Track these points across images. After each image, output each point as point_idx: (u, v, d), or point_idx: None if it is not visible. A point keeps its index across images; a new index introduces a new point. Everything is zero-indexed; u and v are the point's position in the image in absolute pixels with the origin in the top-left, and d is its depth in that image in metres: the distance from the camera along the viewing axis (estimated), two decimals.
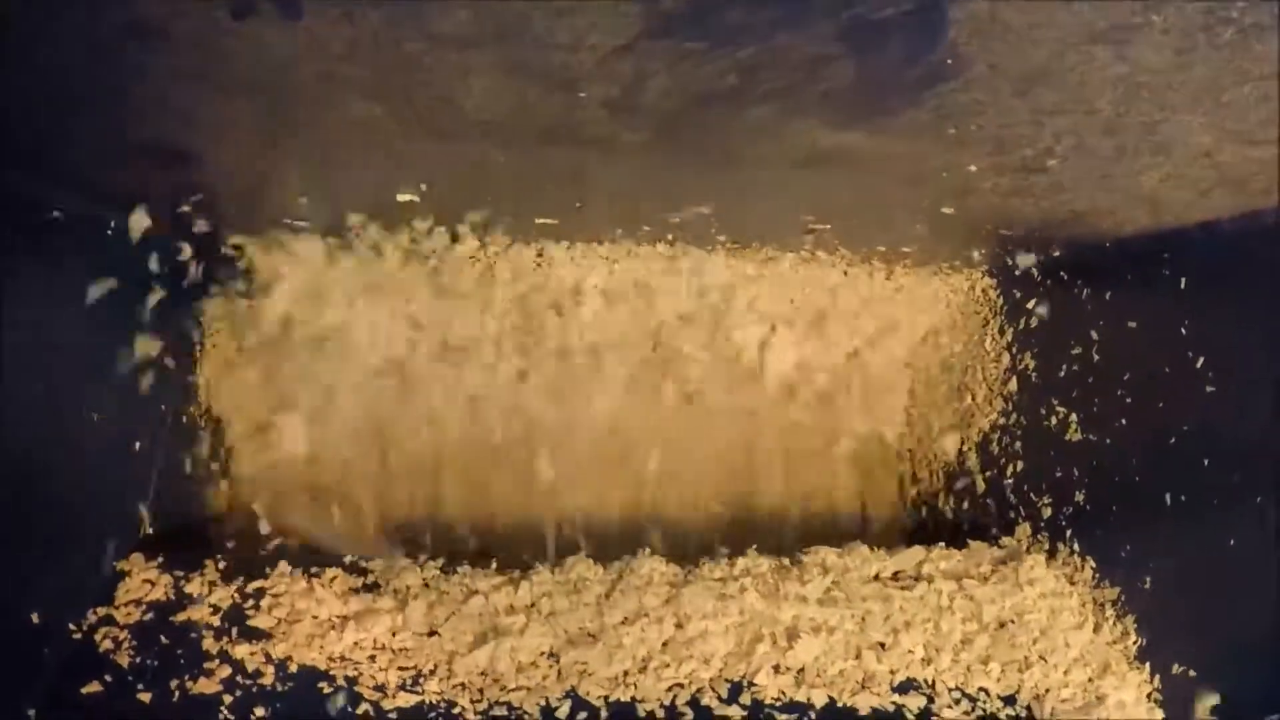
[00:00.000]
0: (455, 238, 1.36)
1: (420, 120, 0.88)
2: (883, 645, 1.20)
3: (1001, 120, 0.84)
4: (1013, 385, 1.46)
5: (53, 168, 1.05)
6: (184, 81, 0.81)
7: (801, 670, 1.16)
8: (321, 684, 1.12)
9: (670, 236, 1.37)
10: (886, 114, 0.84)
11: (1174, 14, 0.66)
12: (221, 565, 1.29)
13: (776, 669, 1.16)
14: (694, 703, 1.12)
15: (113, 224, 1.23)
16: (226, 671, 1.12)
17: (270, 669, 1.13)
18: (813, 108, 0.83)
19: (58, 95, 0.84)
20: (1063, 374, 1.34)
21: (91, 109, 0.87)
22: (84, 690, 1.09)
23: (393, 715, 1.09)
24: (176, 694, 1.10)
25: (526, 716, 1.09)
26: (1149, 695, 1.15)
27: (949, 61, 0.73)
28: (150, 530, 1.37)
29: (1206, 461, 1.10)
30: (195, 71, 0.78)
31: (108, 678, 1.11)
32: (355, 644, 1.17)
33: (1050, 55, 0.72)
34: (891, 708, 1.14)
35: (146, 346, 1.30)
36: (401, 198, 1.15)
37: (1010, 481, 1.45)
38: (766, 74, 0.75)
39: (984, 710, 1.15)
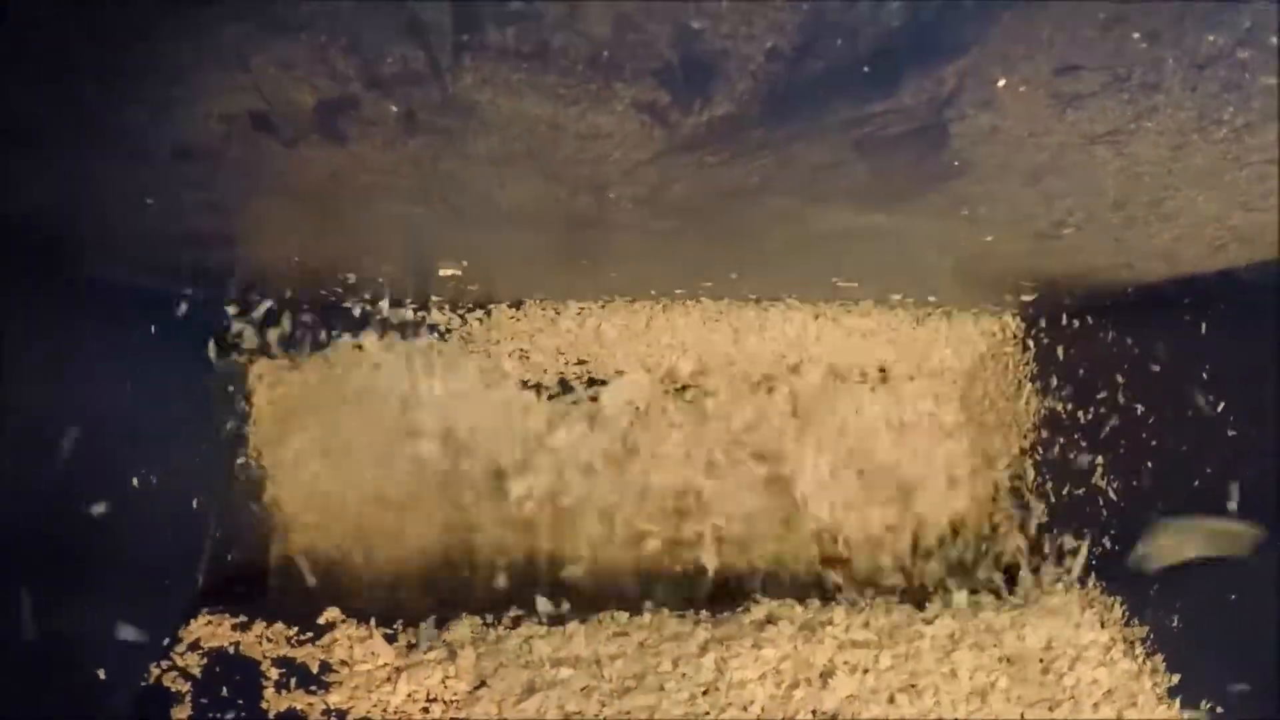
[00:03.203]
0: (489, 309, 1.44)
1: (458, 215, 0.93)
2: (914, 686, 1.23)
3: (1013, 202, 0.88)
4: (1042, 427, 1.49)
5: (123, 254, 1.12)
6: (236, 189, 0.87)
7: (836, 715, 1.20)
8: None
9: (701, 296, 1.42)
10: (902, 201, 0.88)
11: (1167, 119, 0.69)
12: (279, 616, 1.35)
13: (814, 714, 1.20)
14: None
15: (170, 296, 1.30)
16: None
17: None
18: (831, 198, 0.87)
19: (122, 198, 0.90)
20: (1090, 416, 1.37)
21: (153, 209, 0.93)
22: None
23: None
24: None
25: None
26: None
27: (956, 164, 0.77)
28: (210, 583, 1.43)
29: (1230, 505, 1.13)
30: (246, 184, 0.84)
31: None
32: (409, 695, 1.22)
33: (1052, 155, 0.75)
34: None
35: (201, 408, 1.37)
36: (443, 272, 1.21)
37: (1040, 521, 1.48)
38: (784, 175, 0.80)
39: None
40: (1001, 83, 0.61)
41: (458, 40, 0.55)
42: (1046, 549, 1.45)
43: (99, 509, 1.18)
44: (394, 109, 0.66)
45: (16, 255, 1.01)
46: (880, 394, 1.68)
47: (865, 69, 0.59)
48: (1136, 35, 0.57)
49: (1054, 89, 0.63)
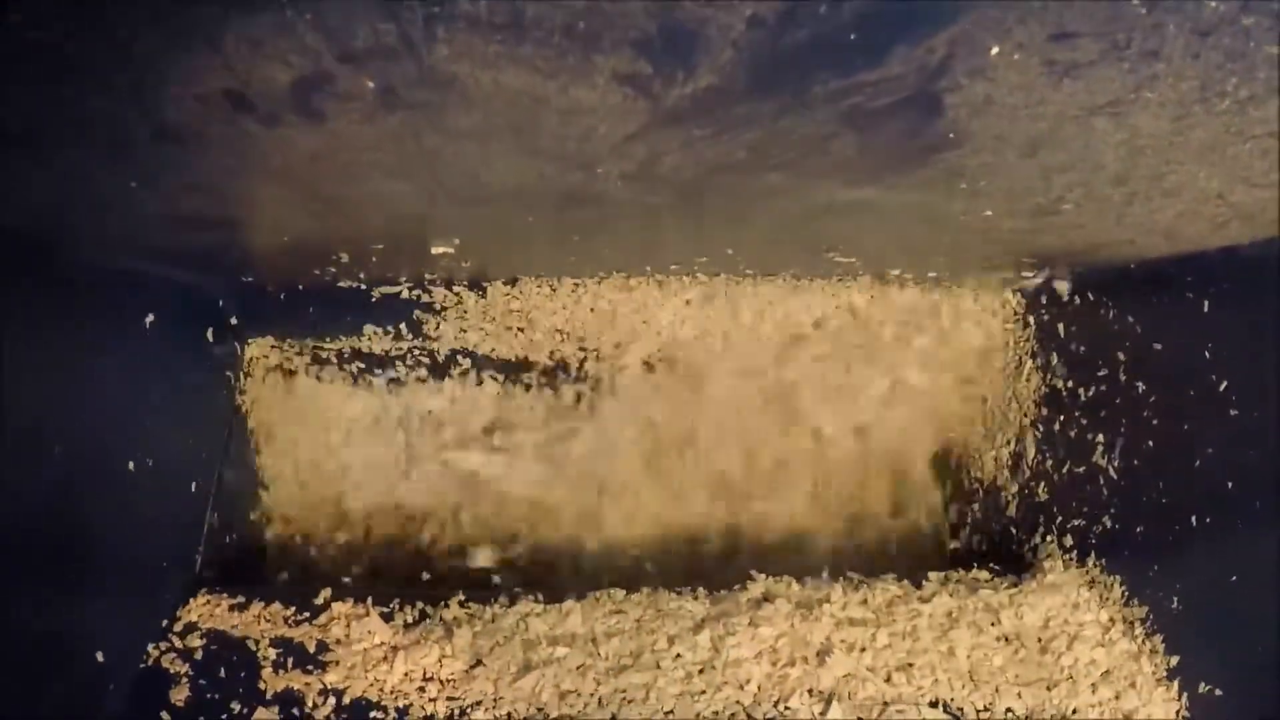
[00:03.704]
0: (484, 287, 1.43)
1: (446, 192, 0.92)
2: (911, 665, 1.22)
3: (1010, 176, 0.86)
4: (1044, 405, 1.47)
5: (115, 242, 1.11)
6: (218, 171, 0.85)
7: (833, 694, 1.19)
8: (375, 714, 1.17)
9: (698, 271, 1.40)
10: (896, 174, 0.86)
11: (1168, 90, 0.67)
12: (276, 597, 1.35)
13: (810, 692, 1.19)
14: None
15: (165, 281, 1.29)
16: (284, 703, 1.18)
17: (325, 701, 1.19)
18: (824, 172, 0.85)
19: (108, 185, 0.89)
20: (1092, 395, 1.35)
21: (139, 194, 0.92)
22: None
23: None
24: None
25: None
26: (1177, 713, 1.16)
27: (951, 135, 0.75)
28: (207, 565, 1.43)
29: (1230, 484, 1.11)
30: (228, 164, 0.83)
31: (169, 712, 1.17)
32: (405, 674, 1.22)
33: (1050, 126, 0.73)
34: None
35: (197, 391, 1.37)
36: (436, 250, 1.19)
37: (1041, 500, 1.46)
38: (774, 150, 0.78)
39: None
40: (995, 50, 0.59)
41: (429, 12, 0.53)
42: (1047, 527, 1.44)
43: (98, 494, 1.18)
44: (370, 84, 0.64)
45: (10, 247, 1.01)
46: (883, 371, 1.67)
47: (851, 37, 0.57)
48: (1134, 0, 0.55)
49: (1049, 57, 0.61)
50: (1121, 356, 1.29)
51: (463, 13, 0.53)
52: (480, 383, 1.61)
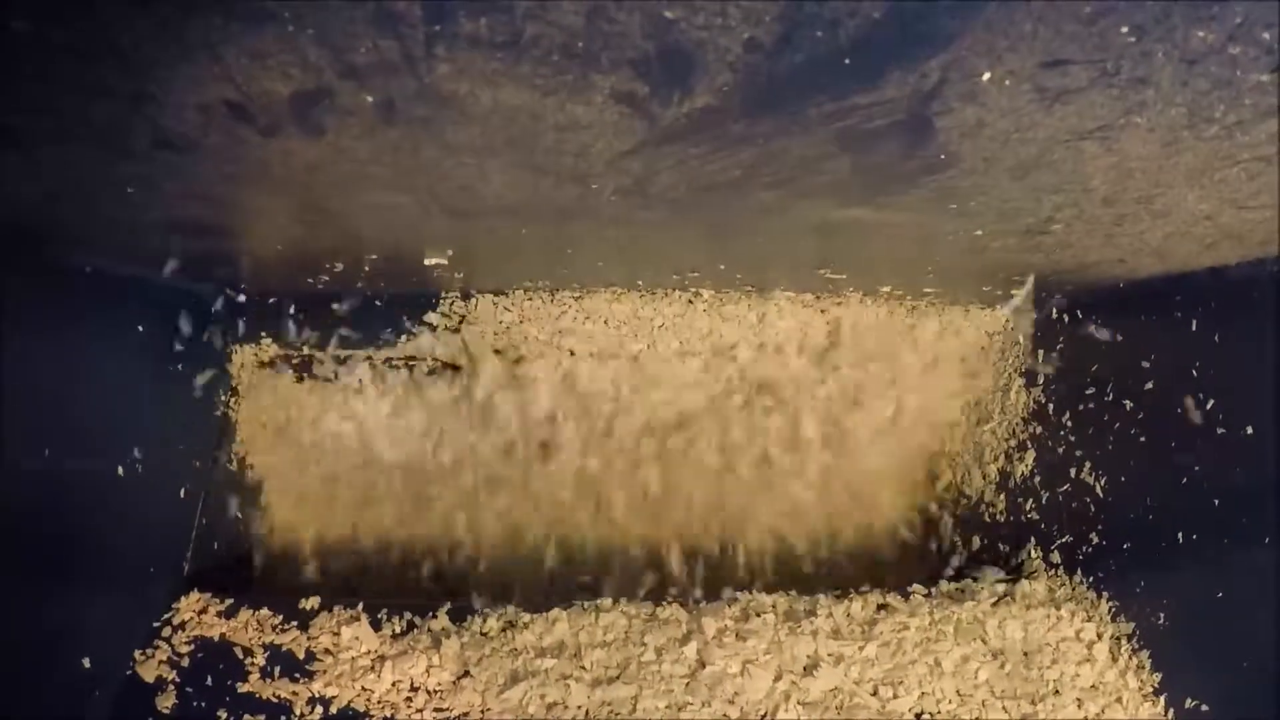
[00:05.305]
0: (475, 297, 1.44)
1: (442, 205, 0.92)
2: (898, 679, 1.23)
3: (1001, 197, 0.87)
4: (1032, 422, 1.48)
5: (111, 245, 1.12)
6: (216, 179, 0.86)
7: (821, 706, 1.19)
8: None
9: (690, 286, 1.41)
10: (888, 194, 0.87)
11: (1157, 115, 0.68)
12: (265, 604, 1.34)
13: (797, 705, 1.20)
14: None
15: (159, 285, 1.29)
16: (271, 711, 1.18)
17: (312, 710, 1.18)
18: (816, 191, 0.86)
19: (106, 190, 0.89)
20: (1080, 411, 1.36)
21: (137, 199, 0.92)
22: None
23: None
24: None
25: None
26: None
27: (942, 157, 0.76)
28: (195, 571, 1.42)
29: (1217, 501, 1.12)
30: (226, 172, 0.83)
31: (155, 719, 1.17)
32: (393, 684, 1.22)
33: (1041, 150, 0.74)
34: None
35: (187, 396, 1.37)
36: (430, 261, 1.20)
37: (1029, 517, 1.47)
38: (768, 169, 0.79)
39: None
40: (986, 76, 0.60)
41: (429, 30, 0.54)
42: (1034, 543, 1.44)
43: (85, 499, 1.18)
44: (370, 99, 0.64)
45: (5, 250, 1.01)
46: (872, 386, 1.67)
47: (846, 61, 0.58)
48: (1124, 29, 0.56)
49: (1040, 83, 0.62)
50: (1110, 374, 1.30)
51: (463, 31, 0.54)
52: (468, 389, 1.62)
